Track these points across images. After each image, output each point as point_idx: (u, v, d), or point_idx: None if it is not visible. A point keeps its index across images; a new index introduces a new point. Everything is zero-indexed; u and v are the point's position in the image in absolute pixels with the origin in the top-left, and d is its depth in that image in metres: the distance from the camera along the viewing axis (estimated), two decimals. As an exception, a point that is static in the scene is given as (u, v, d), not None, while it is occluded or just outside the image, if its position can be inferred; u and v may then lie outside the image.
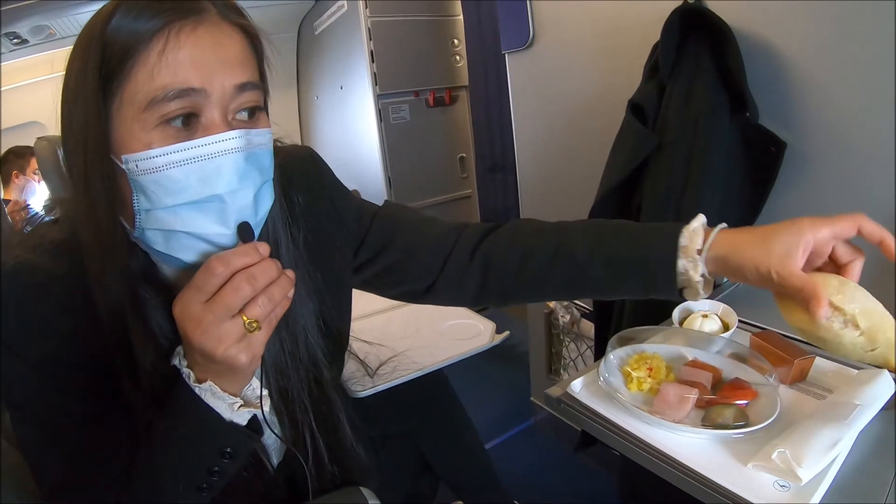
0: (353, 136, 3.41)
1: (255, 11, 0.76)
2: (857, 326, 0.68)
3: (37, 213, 3.04)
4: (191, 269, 0.68)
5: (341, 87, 3.40)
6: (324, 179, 0.97)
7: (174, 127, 0.65)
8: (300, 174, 0.91)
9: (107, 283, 0.70)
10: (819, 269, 0.75)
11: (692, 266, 0.78)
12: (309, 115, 4.00)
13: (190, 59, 0.65)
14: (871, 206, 1.17)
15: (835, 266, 0.75)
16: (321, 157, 0.99)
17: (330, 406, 0.92)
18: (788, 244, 0.71)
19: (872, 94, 1.12)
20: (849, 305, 0.69)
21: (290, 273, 0.70)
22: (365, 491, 0.95)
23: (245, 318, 0.65)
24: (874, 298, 0.69)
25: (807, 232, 0.71)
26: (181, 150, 0.65)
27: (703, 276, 0.78)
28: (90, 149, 0.66)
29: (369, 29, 2.96)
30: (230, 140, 0.67)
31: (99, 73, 0.64)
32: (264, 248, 0.68)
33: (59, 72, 0.70)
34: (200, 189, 0.66)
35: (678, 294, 0.82)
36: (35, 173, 3.11)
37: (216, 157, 0.66)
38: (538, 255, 0.90)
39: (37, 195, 3.15)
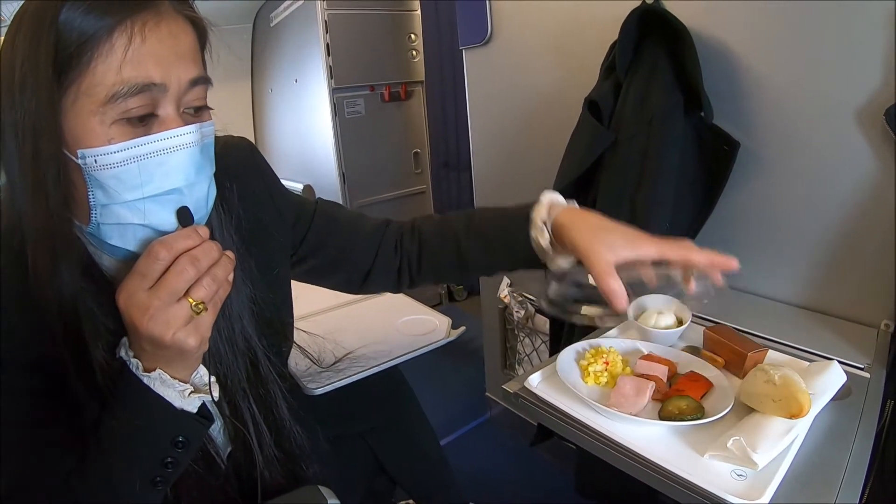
0: (308, 129, 3.37)
1: (210, 1, 0.75)
2: (774, 384, 0.81)
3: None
4: (131, 260, 0.67)
5: (296, 80, 3.35)
6: (262, 170, 0.99)
7: (132, 122, 0.65)
8: (237, 163, 0.93)
9: (59, 280, 0.68)
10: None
11: (540, 233, 0.92)
12: (263, 107, 3.92)
13: (152, 53, 0.64)
14: (821, 205, 1.21)
15: None
16: (257, 148, 1.00)
17: (266, 389, 0.92)
18: (614, 246, 0.83)
19: (824, 95, 1.16)
20: (774, 372, 0.83)
21: (230, 254, 0.71)
22: (324, 490, 0.94)
23: (191, 300, 0.65)
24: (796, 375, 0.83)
25: (639, 248, 0.83)
26: (142, 144, 0.65)
27: (551, 242, 0.92)
28: (42, 142, 0.64)
29: (326, 22, 2.92)
30: (188, 134, 0.68)
31: (53, 64, 0.62)
32: (204, 231, 0.68)
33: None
34: (161, 183, 0.67)
35: (540, 264, 0.95)
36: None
37: (175, 150, 0.67)
38: (428, 241, 1.06)
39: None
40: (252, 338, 0.89)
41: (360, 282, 1.09)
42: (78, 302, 0.70)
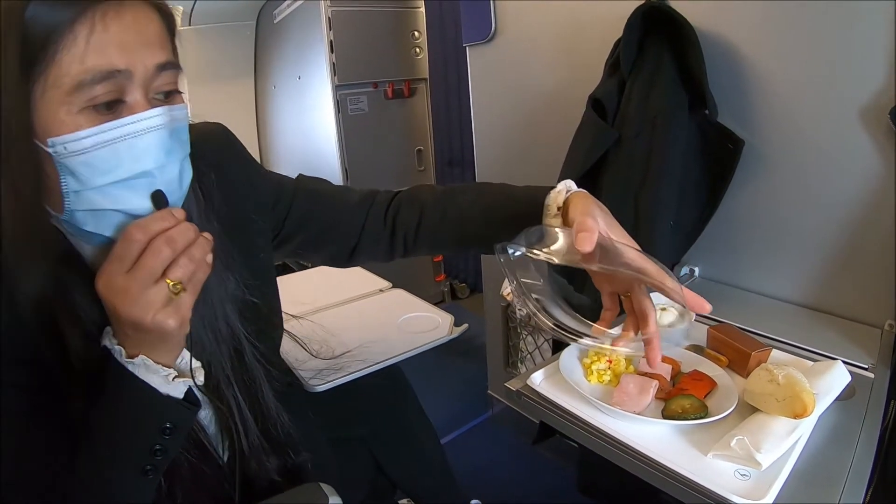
0: (311, 126, 3.37)
1: (215, -2, 0.75)
2: (778, 384, 0.81)
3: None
4: (109, 247, 0.68)
5: (299, 77, 3.35)
6: (237, 154, 0.99)
7: (99, 109, 0.65)
8: (212, 148, 0.92)
9: (33, 273, 0.68)
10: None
11: (554, 219, 0.92)
12: (266, 104, 3.93)
13: (115, 40, 0.64)
14: (825, 204, 1.21)
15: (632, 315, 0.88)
16: (233, 133, 1.00)
17: (251, 376, 0.92)
18: (608, 222, 0.86)
19: (828, 94, 1.15)
20: (778, 371, 0.83)
21: (207, 235, 0.71)
22: (325, 487, 0.94)
23: (169, 280, 0.66)
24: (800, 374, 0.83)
25: (625, 239, 0.85)
26: (110, 129, 0.65)
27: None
28: (13, 137, 0.64)
29: (329, 19, 2.92)
30: (155, 117, 0.68)
31: (20, 60, 0.62)
32: (179, 213, 0.69)
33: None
34: (131, 166, 0.67)
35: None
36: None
37: (143, 133, 0.67)
38: (429, 213, 1.06)
39: None
40: (235, 325, 0.89)
41: (347, 254, 1.10)
42: (54, 294, 0.70)
